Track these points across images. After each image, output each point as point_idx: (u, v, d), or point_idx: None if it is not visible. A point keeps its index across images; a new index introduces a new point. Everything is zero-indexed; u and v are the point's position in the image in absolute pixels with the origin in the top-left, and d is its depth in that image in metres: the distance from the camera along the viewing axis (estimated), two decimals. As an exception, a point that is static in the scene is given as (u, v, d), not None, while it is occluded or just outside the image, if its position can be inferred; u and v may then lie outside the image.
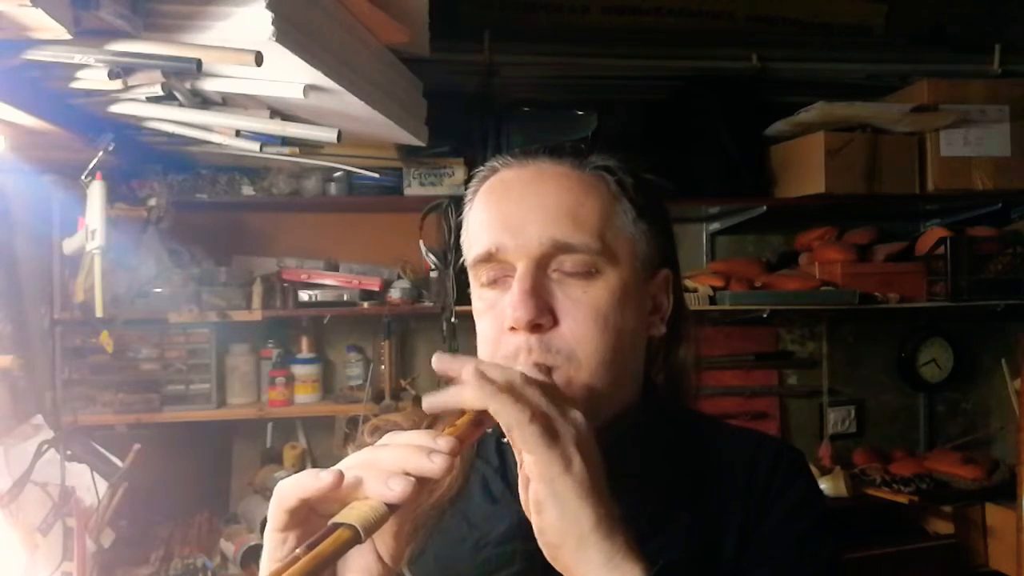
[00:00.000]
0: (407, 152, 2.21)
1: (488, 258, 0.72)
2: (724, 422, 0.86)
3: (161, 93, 1.45)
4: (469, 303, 0.78)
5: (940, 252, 2.53)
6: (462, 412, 0.59)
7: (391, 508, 0.53)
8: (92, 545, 1.92)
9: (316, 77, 1.42)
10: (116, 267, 1.91)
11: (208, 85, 1.51)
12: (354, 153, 2.11)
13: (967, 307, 2.52)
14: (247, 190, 2.25)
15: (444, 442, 0.56)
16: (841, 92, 2.38)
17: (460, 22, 2.32)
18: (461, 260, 0.79)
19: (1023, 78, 2.45)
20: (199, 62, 1.23)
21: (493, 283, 0.73)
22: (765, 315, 2.48)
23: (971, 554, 2.47)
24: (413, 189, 2.28)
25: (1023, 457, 2.20)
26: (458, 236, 0.81)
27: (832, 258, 2.54)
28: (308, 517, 0.56)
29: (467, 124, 2.32)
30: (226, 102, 1.67)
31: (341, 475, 0.54)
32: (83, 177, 1.74)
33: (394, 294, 2.35)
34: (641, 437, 0.75)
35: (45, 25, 1.08)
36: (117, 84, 1.35)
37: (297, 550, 0.50)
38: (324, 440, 2.51)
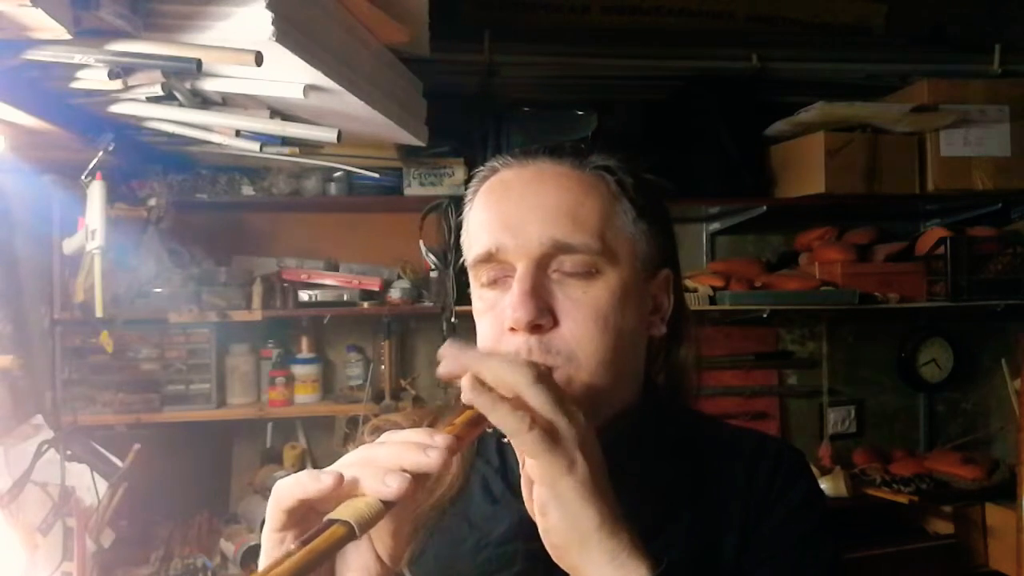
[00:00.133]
0: (407, 152, 2.21)
1: (488, 258, 0.72)
2: (724, 422, 0.86)
3: (161, 93, 1.45)
4: (469, 303, 0.78)
5: (940, 252, 2.53)
6: (463, 410, 0.59)
7: (387, 505, 0.53)
8: (92, 545, 1.92)
9: (316, 77, 1.42)
10: (116, 267, 1.91)
11: (208, 85, 1.51)
12: (354, 153, 2.11)
13: (967, 307, 2.52)
14: (247, 190, 2.25)
15: (441, 438, 0.56)
16: (841, 92, 2.38)
17: (460, 22, 2.32)
18: (461, 260, 0.79)
19: (1023, 78, 2.45)
20: (199, 62, 1.23)
21: (493, 283, 0.73)
22: (765, 315, 2.48)
23: (971, 554, 2.46)
24: (413, 189, 2.28)
25: (1023, 457, 2.20)
26: (458, 236, 0.81)
27: (832, 258, 2.54)
28: (306, 516, 0.56)
29: (467, 124, 2.32)
30: (226, 102, 1.67)
31: (340, 477, 0.54)
32: (83, 177, 1.74)
33: (394, 294, 2.35)
34: (641, 437, 0.75)
35: (45, 25, 1.08)
36: (117, 84, 1.35)
37: (292, 545, 0.50)
38: (324, 440, 2.51)
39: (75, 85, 1.39)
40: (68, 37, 1.12)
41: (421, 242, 2.36)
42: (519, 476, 0.63)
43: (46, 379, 2.16)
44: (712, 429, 0.83)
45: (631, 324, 0.73)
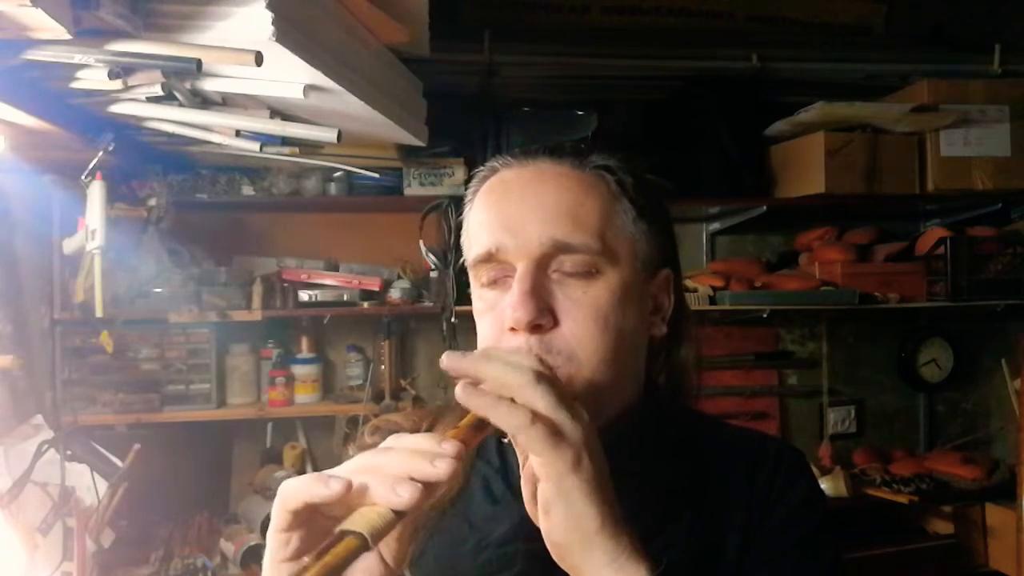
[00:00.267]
0: (407, 152, 2.21)
1: (488, 258, 0.72)
2: (725, 422, 0.86)
3: (161, 93, 1.45)
4: (469, 303, 0.78)
5: (940, 252, 2.53)
6: (464, 411, 0.59)
7: (398, 514, 0.53)
8: (92, 545, 1.92)
9: (316, 77, 1.42)
10: (116, 267, 1.91)
11: (208, 85, 1.51)
12: (354, 153, 2.11)
13: (967, 307, 2.52)
14: (247, 190, 2.25)
15: (449, 446, 0.55)
16: (841, 92, 2.38)
17: (460, 22, 2.32)
18: (461, 260, 0.79)
19: (1023, 78, 2.45)
20: (199, 62, 1.23)
21: (493, 283, 0.73)
22: (765, 315, 2.48)
23: (971, 554, 2.47)
24: (413, 189, 2.28)
25: (1023, 457, 2.20)
26: (458, 236, 0.81)
27: (832, 258, 2.54)
28: (312, 518, 0.56)
29: (467, 124, 2.32)
30: (226, 102, 1.67)
31: (350, 484, 0.53)
32: (83, 177, 1.74)
33: (394, 294, 2.35)
34: (642, 437, 0.75)
35: (45, 25, 1.08)
36: (117, 84, 1.35)
37: (305, 558, 0.50)
38: (324, 440, 2.51)
39: (75, 85, 1.39)
40: (68, 37, 1.12)
41: (421, 242, 2.36)
42: (519, 476, 0.63)
43: (46, 379, 2.16)
44: (712, 429, 0.83)
45: (632, 324, 0.72)
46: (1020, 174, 2.38)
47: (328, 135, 1.73)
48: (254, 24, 1.19)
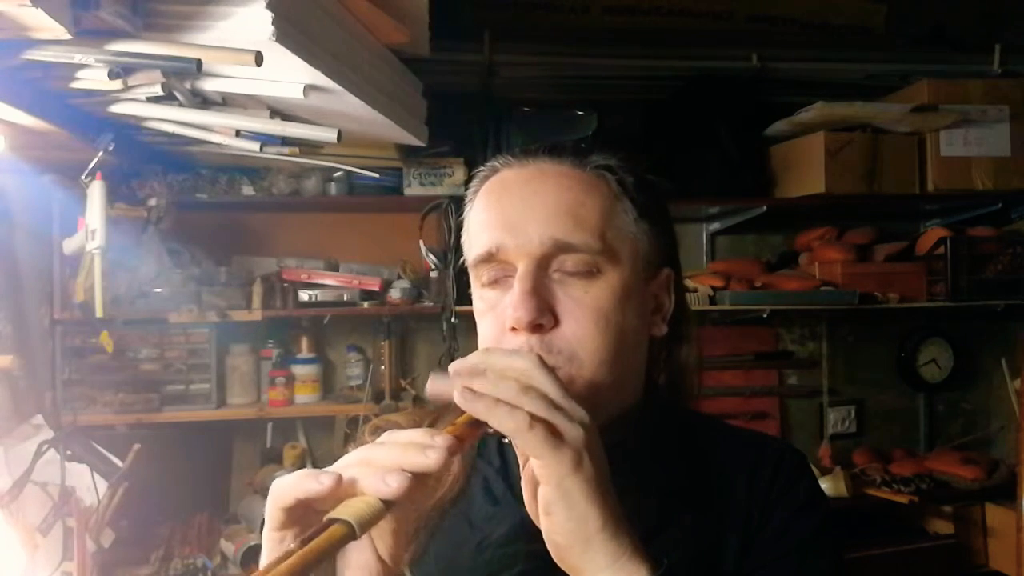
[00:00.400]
0: (407, 152, 2.21)
1: (489, 258, 0.72)
2: (726, 423, 0.86)
3: (161, 93, 1.45)
4: (469, 303, 0.78)
5: (940, 252, 2.53)
6: (464, 411, 0.59)
7: (387, 505, 0.53)
8: (92, 545, 1.92)
9: (316, 77, 1.42)
10: (116, 267, 1.91)
11: (208, 85, 1.51)
12: (354, 153, 2.11)
13: (967, 307, 2.51)
14: (247, 190, 2.25)
15: (441, 439, 0.55)
16: (841, 92, 2.38)
17: (460, 22, 2.32)
18: (461, 260, 0.79)
19: (1023, 78, 2.45)
20: (199, 62, 1.23)
21: (494, 283, 0.73)
22: (765, 315, 2.48)
23: (971, 554, 2.47)
24: (413, 189, 2.28)
25: (1023, 457, 2.20)
26: (458, 236, 0.81)
27: (832, 258, 2.54)
28: (306, 516, 0.56)
29: (467, 124, 2.32)
30: (226, 102, 1.67)
31: (339, 477, 0.54)
32: (83, 177, 1.74)
33: (394, 294, 2.34)
34: (643, 437, 0.75)
35: (45, 25, 1.08)
36: (117, 84, 1.35)
37: (291, 544, 0.50)
38: (324, 440, 2.51)
39: (75, 85, 1.39)
40: (68, 37, 1.12)
41: (421, 242, 2.36)
42: (520, 477, 0.63)
43: (46, 379, 2.16)
44: (713, 430, 0.83)
45: (632, 324, 0.72)
46: (1020, 174, 2.38)
47: (328, 135, 1.73)
48: (254, 24, 1.19)
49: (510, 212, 0.71)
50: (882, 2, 2.63)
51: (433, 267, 2.36)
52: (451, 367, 0.61)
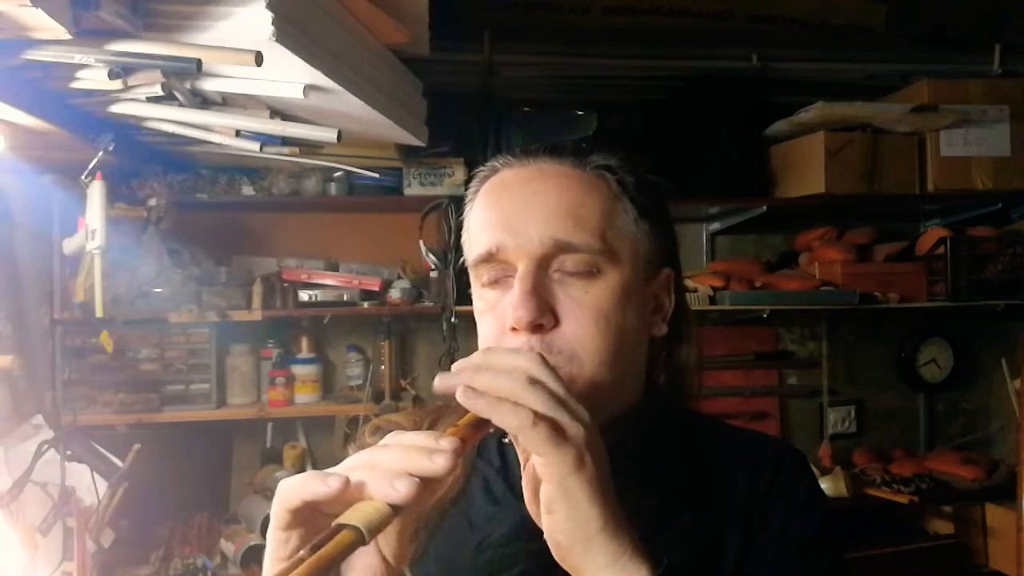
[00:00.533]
0: (407, 152, 2.21)
1: (489, 258, 0.72)
2: (726, 423, 0.86)
3: (161, 93, 1.45)
4: (469, 303, 0.78)
5: (940, 252, 2.53)
6: (465, 411, 0.59)
7: (395, 509, 0.53)
8: (92, 545, 1.92)
9: (316, 77, 1.42)
10: (116, 267, 1.91)
11: (208, 85, 1.51)
12: (354, 153, 2.11)
13: (967, 307, 2.52)
14: (247, 190, 2.25)
15: (447, 442, 0.55)
16: (841, 92, 2.38)
17: (460, 22, 2.32)
18: (461, 260, 0.79)
19: (1023, 78, 2.45)
20: (199, 62, 1.23)
21: (494, 283, 0.73)
22: (765, 315, 2.49)
23: (971, 554, 2.47)
24: (413, 189, 2.28)
25: (1023, 457, 2.20)
26: (458, 236, 0.81)
27: (832, 258, 2.54)
28: (312, 516, 0.56)
29: (467, 124, 2.33)
30: (226, 102, 1.67)
31: (347, 480, 0.53)
32: (83, 177, 1.74)
33: (394, 294, 2.34)
34: (643, 437, 0.75)
35: (45, 25, 1.08)
36: (117, 84, 1.35)
37: (301, 552, 0.49)
38: (324, 440, 2.51)
39: (75, 85, 1.39)
40: (68, 37, 1.12)
41: (421, 242, 2.36)
42: (520, 476, 0.63)
43: (46, 379, 2.16)
44: (713, 430, 0.83)
45: (633, 324, 0.72)
46: (1020, 174, 2.38)
47: (328, 135, 1.73)
48: (254, 24, 1.19)
49: (510, 212, 0.71)
50: (882, 2, 2.64)
51: (433, 267, 2.36)
52: (453, 367, 0.61)
